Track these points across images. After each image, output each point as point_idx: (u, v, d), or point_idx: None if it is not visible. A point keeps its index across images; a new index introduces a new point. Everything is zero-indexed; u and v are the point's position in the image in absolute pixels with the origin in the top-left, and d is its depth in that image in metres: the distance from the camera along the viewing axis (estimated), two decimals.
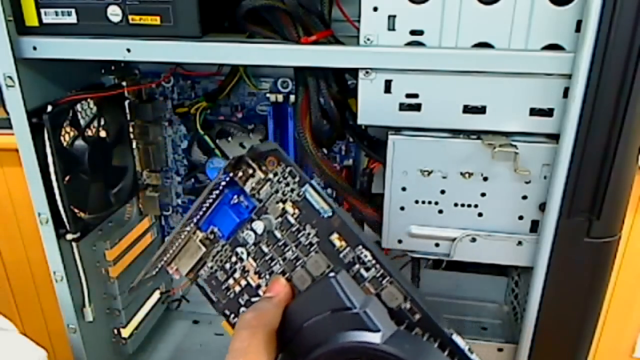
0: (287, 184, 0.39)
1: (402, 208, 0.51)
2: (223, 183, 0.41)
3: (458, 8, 0.44)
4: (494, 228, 0.50)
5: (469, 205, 0.50)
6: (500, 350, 0.56)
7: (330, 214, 0.38)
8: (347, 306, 0.33)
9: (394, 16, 0.45)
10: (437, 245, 0.52)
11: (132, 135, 0.69)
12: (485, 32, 0.44)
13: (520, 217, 0.49)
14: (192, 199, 0.73)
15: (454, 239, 0.51)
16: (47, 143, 0.53)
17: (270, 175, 0.40)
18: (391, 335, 0.32)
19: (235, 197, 0.41)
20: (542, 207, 0.48)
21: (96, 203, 0.61)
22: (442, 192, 0.50)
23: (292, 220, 0.39)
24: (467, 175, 0.49)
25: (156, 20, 0.48)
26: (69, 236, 0.57)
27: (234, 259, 0.42)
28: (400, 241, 0.53)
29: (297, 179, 0.39)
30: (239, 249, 0.41)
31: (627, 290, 1.11)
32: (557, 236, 0.47)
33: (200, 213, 0.42)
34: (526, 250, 0.50)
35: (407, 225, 0.52)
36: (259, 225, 0.40)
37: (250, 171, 0.40)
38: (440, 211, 0.51)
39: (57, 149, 0.53)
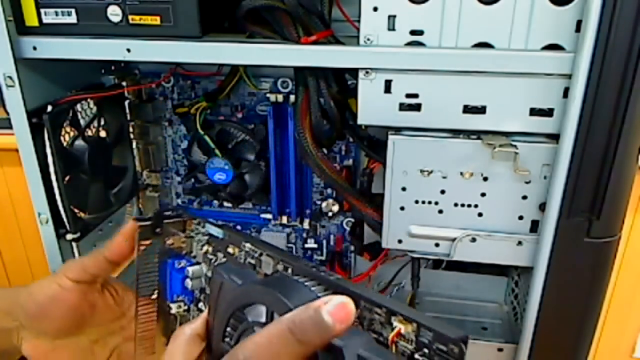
0: (199, 232, 0.49)
1: (402, 208, 0.51)
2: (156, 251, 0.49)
3: (458, 8, 0.44)
4: (494, 228, 0.50)
5: (469, 205, 0.50)
6: (500, 350, 0.56)
7: (223, 235, 0.46)
8: (221, 280, 0.38)
9: (394, 16, 0.45)
10: (437, 245, 0.52)
11: (132, 135, 0.69)
12: (485, 32, 0.44)
13: (520, 217, 0.49)
14: (192, 199, 0.74)
15: (454, 239, 0.51)
16: (47, 143, 0.53)
17: (192, 234, 0.49)
18: (253, 281, 0.37)
19: (176, 262, 0.50)
20: (542, 207, 0.48)
21: (96, 203, 0.61)
22: (442, 192, 0.50)
23: (211, 256, 0.48)
24: (467, 175, 0.49)
25: (156, 20, 0.48)
26: (69, 236, 0.57)
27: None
28: (400, 241, 0.53)
29: (202, 224, 0.48)
30: (200, 304, 0.49)
31: (627, 290, 1.11)
32: (557, 236, 0.47)
33: (158, 287, 0.50)
34: (526, 250, 0.50)
35: (407, 225, 0.52)
36: (191, 272, 0.49)
37: (178, 236, 0.49)
38: (440, 211, 0.51)
39: (57, 149, 0.53)
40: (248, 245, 0.44)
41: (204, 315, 0.39)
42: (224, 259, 0.47)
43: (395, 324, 0.31)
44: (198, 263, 0.49)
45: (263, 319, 0.34)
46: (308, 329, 0.29)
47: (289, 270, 0.40)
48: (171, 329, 0.50)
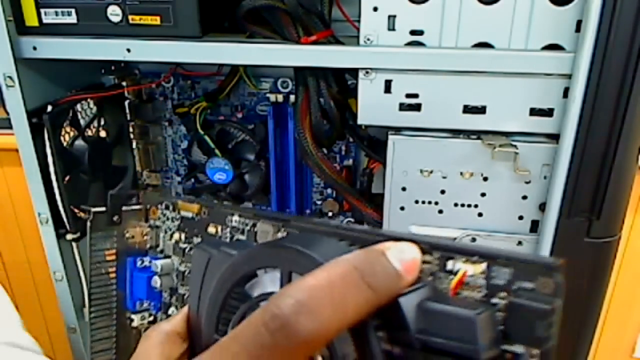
0: (168, 218, 0.40)
1: (402, 208, 0.51)
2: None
3: (458, 8, 0.44)
4: (494, 228, 0.50)
5: (469, 205, 0.50)
6: None
7: (200, 214, 0.38)
8: (209, 255, 0.31)
9: (394, 16, 0.45)
10: None
11: (132, 135, 0.69)
12: (485, 32, 0.44)
13: (520, 217, 0.49)
14: (192, 199, 0.73)
15: (454, 239, 0.51)
16: (47, 143, 0.53)
17: (158, 223, 0.40)
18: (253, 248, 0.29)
19: (139, 260, 0.41)
20: (542, 207, 0.48)
21: (96, 203, 0.61)
22: (442, 192, 0.50)
23: (184, 245, 0.39)
24: (467, 175, 0.49)
25: (156, 20, 0.48)
26: (69, 236, 0.57)
27: None
28: None
29: (171, 208, 0.39)
30: (170, 310, 0.41)
31: (627, 290, 1.11)
32: (557, 236, 0.47)
33: (117, 294, 0.42)
34: (526, 250, 0.50)
35: (407, 225, 0.52)
36: (160, 266, 0.40)
37: (140, 227, 0.41)
38: (440, 211, 0.51)
39: (57, 149, 0.53)
40: (235, 217, 0.34)
41: (184, 311, 0.33)
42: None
43: (457, 266, 0.23)
44: (167, 257, 0.40)
45: (274, 289, 0.25)
46: (378, 273, 0.21)
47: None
48: (132, 348, 0.41)
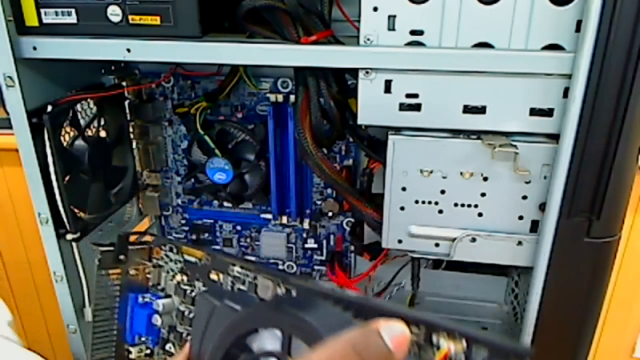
0: (171, 259, 0.42)
1: (402, 208, 0.51)
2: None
3: (458, 8, 0.44)
4: (494, 228, 0.50)
5: (469, 205, 0.50)
6: None
7: (202, 260, 0.40)
8: (213, 305, 0.33)
9: (394, 16, 0.45)
10: (437, 245, 0.52)
11: (132, 135, 0.69)
12: (485, 32, 0.44)
13: (520, 217, 0.49)
14: (192, 199, 0.73)
15: (454, 239, 0.51)
16: (47, 143, 0.53)
17: (161, 262, 0.43)
18: (256, 305, 0.32)
19: (141, 296, 0.44)
20: (542, 207, 0.48)
21: (96, 203, 0.61)
22: (442, 192, 0.50)
23: (186, 287, 0.42)
24: (467, 175, 0.49)
25: (156, 20, 0.48)
26: (69, 236, 0.57)
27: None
28: (400, 241, 0.53)
29: (175, 250, 0.42)
30: (167, 346, 0.43)
31: (627, 290, 1.11)
32: (557, 236, 0.47)
33: (117, 327, 0.44)
34: (526, 250, 0.50)
35: (407, 225, 0.52)
36: (162, 305, 0.42)
37: (144, 265, 0.43)
38: (440, 211, 0.51)
39: (57, 149, 0.53)
40: (237, 268, 0.37)
41: (185, 351, 0.35)
42: (205, 289, 0.41)
43: (441, 342, 0.26)
44: (168, 296, 0.43)
45: (273, 347, 0.29)
46: (373, 352, 0.25)
47: (293, 293, 0.34)
48: None
